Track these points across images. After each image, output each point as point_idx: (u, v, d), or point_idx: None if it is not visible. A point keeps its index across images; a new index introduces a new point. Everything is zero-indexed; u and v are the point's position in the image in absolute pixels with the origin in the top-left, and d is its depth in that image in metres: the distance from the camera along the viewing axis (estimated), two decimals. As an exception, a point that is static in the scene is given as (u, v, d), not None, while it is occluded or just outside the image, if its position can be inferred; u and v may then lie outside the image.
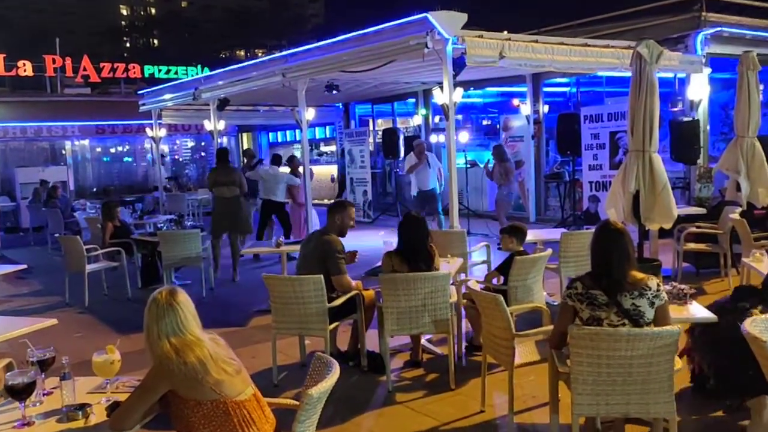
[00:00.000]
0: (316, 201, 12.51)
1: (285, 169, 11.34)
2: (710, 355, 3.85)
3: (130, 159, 20.92)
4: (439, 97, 8.01)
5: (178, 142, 21.54)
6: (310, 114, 10.76)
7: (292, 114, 10.95)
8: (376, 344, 5.25)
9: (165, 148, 19.74)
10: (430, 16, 7.64)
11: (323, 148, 21.34)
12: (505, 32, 9.05)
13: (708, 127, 11.45)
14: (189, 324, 2.68)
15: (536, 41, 8.77)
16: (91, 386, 3.08)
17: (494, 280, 5.42)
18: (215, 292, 8.44)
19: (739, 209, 7.53)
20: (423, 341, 5.55)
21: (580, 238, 6.44)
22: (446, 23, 7.66)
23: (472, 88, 14.18)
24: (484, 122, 18.96)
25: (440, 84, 8.00)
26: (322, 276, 4.86)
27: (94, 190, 19.11)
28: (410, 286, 4.66)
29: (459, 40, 7.72)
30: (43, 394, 2.95)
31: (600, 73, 13.16)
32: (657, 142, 6.97)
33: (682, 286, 4.03)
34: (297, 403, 2.93)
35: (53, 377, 3.10)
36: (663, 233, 7.92)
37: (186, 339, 2.63)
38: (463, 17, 7.80)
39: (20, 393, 2.66)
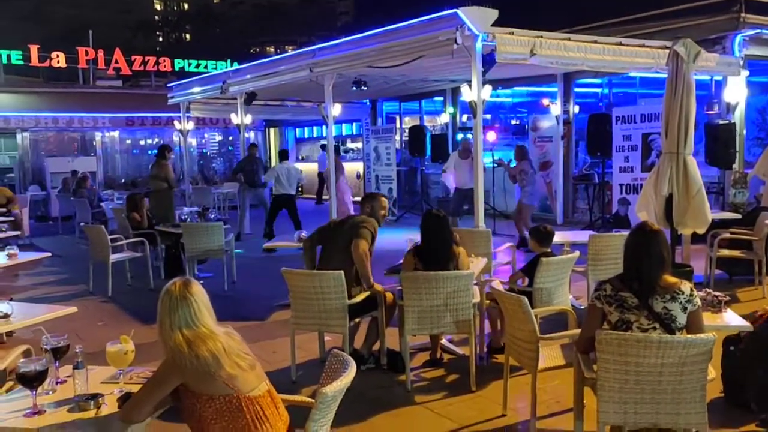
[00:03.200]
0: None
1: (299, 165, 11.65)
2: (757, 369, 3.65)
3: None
4: (468, 94, 7.88)
5: (206, 135, 21.65)
6: (336, 110, 10.72)
7: (319, 109, 10.91)
8: (392, 343, 5.17)
9: (193, 141, 19.87)
10: (461, 11, 7.52)
11: (350, 145, 21.29)
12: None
13: (744, 132, 11.14)
14: (203, 316, 2.61)
15: (569, 39, 8.59)
16: (105, 376, 3.03)
17: (519, 282, 5.28)
18: (237, 285, 8.41)
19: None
20: (443, 341, 5.45)
21: (610, 241, 6.28)
22: (476, 19, 7.53)
23: (500, 87, 14.01)
24: (513, 122, 18.73)
25: (469, 81, 7.89)
26: (342, 272, 4.78)
27: (123, 181, 19.29)
28: (432, 285, 4.56)
29: (489, 37, 7.60)
30: (57, 383, 2.91)
31: (633, 74, 12.90)
32: (692, 144, 6.77)
33: (717, 293, 3.87)
34: (312, 401, 2.85)
35: (68, 365, 3.07)
36: (695, 238, 7.69)
37: (199, 332, 2.56)
38: (494, 13, 7.67)
39: (32, 381, 2.62)
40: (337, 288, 4.77)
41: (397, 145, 16.47)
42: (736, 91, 10.58)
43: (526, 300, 3.76)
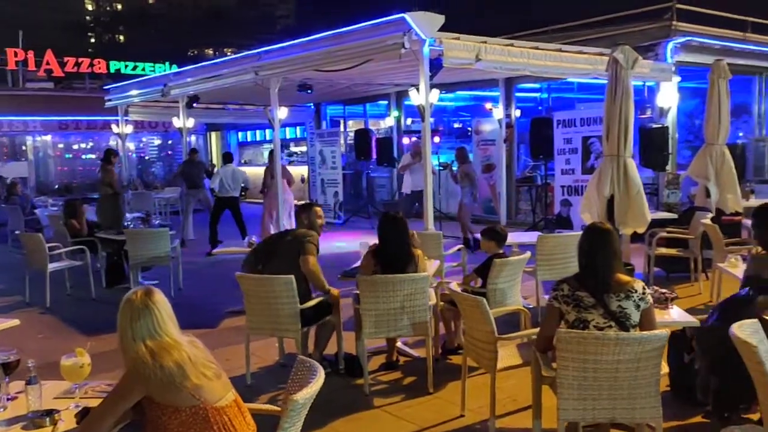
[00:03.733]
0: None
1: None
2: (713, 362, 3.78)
3: (93, 156, 20.40)
4: (416, 98, 7.96)
5: (144, 139, 21.10)
6: (282, 113, 10.63)
7: (265, 113, 10.80)
8: (348, 347, 5.16)
9: (131, 145, 19.32)
10: (408, 16, 7.60)
11: (293, 149, 21.13)
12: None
13: (676, 135, 11.62)
14: (166, 326, 2.54)
15: (512, 45, 8.80)
16: (58, 391, 2.92)
17: (472, 283, 5.36)
18: (183, 292, 8.22)
19: (710, 215, 7.62)
20: (398, 344, 5.47)
21: (558, 241, 6.44)
22: (424, 24, 7.62)
23: (443, 92, 14.12)
24: (455, 125, 19.01)
25: (414, 86, 7.97)
26: (293, 276, 4.75)
27: (56, 187, 18.58)
28: (389, 288, 4.58)
29: (436, 42, 7.70)
30: (7, 399, 2.78)
31: (571, 79, 13.29)
32: (631, 146, 7.02)
33: (663, 291, 4.02)
34: (278, 409, 2.83)
35: (17, 381, 2.94)
36: (634, 238, 7.97)
37: (163, 342, 2.49)
38: (441, 19, 7.77)
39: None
40: (288, 292, 4.74)
41: (342, 149, 16.45)
42: (669, 96, 11.03)
43: (485, 301, 3.82)
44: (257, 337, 5.31)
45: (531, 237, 7.07)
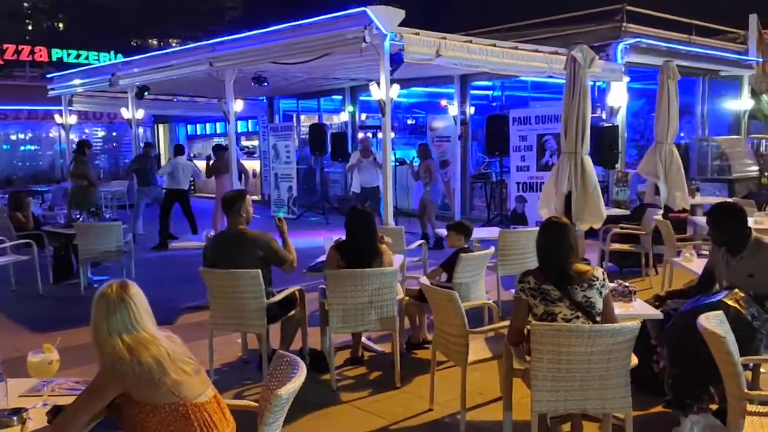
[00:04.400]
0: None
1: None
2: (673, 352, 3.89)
3: (34, 147, 19.64)
4: (376, 92, 7.94)
5: (87, 131, 20.41)
6: (238, 106, 10.46)
7: (219, 105, 10.59)
8: (311, 342, 5.12)
9: (74, 137, 18.70)
10: (369, 10, 7.57)
11: (245, 143, 20.82)
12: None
13: (626, 134, 11.94)
14: (143, 320, 2.46)
15: (470, 42, 8.86)
16: (23, 389, 2.80)
17: (437, 278, 5.38)
18: (137, 288, 7.98)
19: (661, 212, 7.86)
20: (363, 338, 5.45)
21: (518, 237, 6.52)
22: (384, 18, 7.61)
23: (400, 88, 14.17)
24: (409, 122, 19.07)
25: (371, 80, 7.97)
26: (260, 271, 4.67)
27: (-5, 179, 17.84)
28: (357, 282, 4.55)
29: (397, 36, 7.69)
30: (-32, 399, 2.64)
31: (525, 78, 13.50)
32: (588, 144, 7.17)
33: (627, 284, 4.13)
34: (255, 404, 2.78)
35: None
36: (588, 234, 8.16)
37: (140, 336, 2.41)
38: (401, 13, 7.78)
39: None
40: (255, 287, 4.67)
41: (295, 144, 16.29)
42: (619, 96, 11.32)
43: (457, 295, 3.83)
44: (218, 334, 5.21)
45: (492, 232, 7.16)
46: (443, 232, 7.60)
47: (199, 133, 22.24)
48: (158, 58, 11.38)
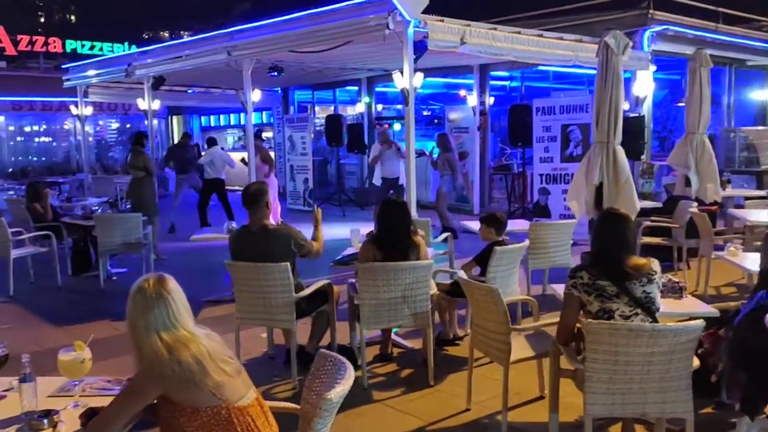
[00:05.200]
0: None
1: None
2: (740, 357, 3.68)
3: (49, 138, 19.59)
4: (399, 81, 7.74)
5: (101, 122, 20.36)
6: (256, 95, 10.27)
7: (237, 95, 10.43)
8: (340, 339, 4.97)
9: (89, 128, 18.62)
10: (393, -4, 7.36)
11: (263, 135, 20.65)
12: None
13: (651, 124, 11.68)
14: (182, 317, 2.29)
15: (495, 29, 8.63)
16: (51, 388, 2.63)
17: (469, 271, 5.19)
18: (156, 281, 7.85)
19: (696, 204, 7.62)
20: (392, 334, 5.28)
21: (549, 229, 6.32)
22: (408, 5, 7.39)
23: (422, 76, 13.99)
24: (425, 113, 18.82)
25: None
26: (288, 264, 4.50)
27: (10, 170, 17.77)
28: (390, 276, 4.37)
29: (421, 24, 7.49)
30: (-5, 399, 2.50)
31: (545, 68, 13.25)
32: (621, 134, 6.95)
33: (676, 280, 3.92)
34: (298, 407, 2.62)
35: (4, 378, 2.65)
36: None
37: (179, 334, 2.24)
38: (425, 0, 7.56)
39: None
40: (283, 281, 4.50)
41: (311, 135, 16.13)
42: (645, 85, 11.04)
43: (499, 290, 3.65)
44: (242, 328, 5.05)
45: (518, 225, 6.95)
46: (467, 224, 7.47)
47: (213, 124, 22.11)
48: (175, 47, 11.22)
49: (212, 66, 10.55)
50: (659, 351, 2.89)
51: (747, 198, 9.22)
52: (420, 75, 7.90)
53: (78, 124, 17.63)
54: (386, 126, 12.03)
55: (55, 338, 5.70)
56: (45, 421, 2.27)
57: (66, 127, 19.47)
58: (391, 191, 10.98)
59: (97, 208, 8.29)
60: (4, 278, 7.30)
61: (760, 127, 13.12)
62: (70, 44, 20.87)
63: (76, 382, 2.57)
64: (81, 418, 2.23)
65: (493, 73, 13.53)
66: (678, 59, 11.92)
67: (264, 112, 19.92)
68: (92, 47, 21.27)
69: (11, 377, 2.67)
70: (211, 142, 12.21)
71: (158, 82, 12.10)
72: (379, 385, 4.58)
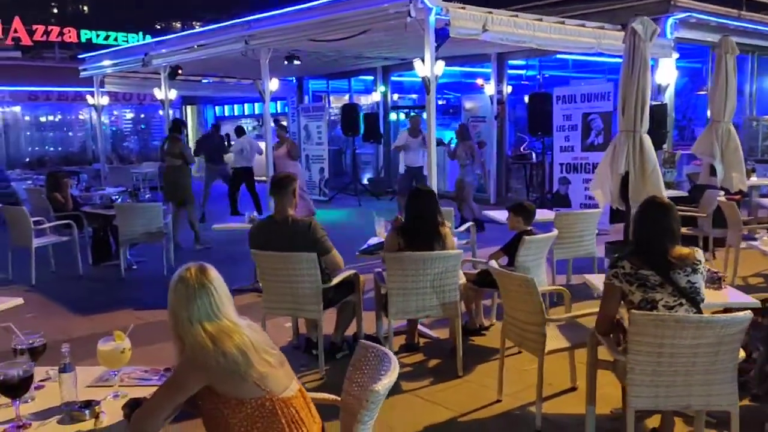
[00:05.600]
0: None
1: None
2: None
3: (65, 129, 19.64)
4: (421, 69, 7.65)
5: (116, 112, 20.38)
6: (274, 85, 10.21)
7: (255, 85, 10.38)
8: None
9: (104, 119, 18.66)
10: (414, -18, 7.26)
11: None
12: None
13: (673, 113, 11.52)
14: (224, 306, 2.25)
15: (517, 16, 8.51)
16: (89, 378, 2.60)
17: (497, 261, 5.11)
18: (175, 269, 7.80)
19: (722, 193, 7.50)
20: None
21: (575, 219, 6.24)
22: (430, -8, 7.29)
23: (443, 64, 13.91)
24: (439, 102, 18.69)
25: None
26: (315, 254, 4.45)
27: (27, 160, 17.85)
28: (419, 266, 4.32)
29: (442, 11, 7.38)
30: (33, 389, 2.46)
31: (565, 56, 13.10)
32: (647, 122, 6.84)
33: (714, 270, 3.84)
34: (338, 398, 2.58)
35: (40, 367, 2.62)
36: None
37: (222, 325, 2.20)
38: (446, -13, 7.46)
39: (14, 389, 2.18)
40: (310, 270, 4.46)
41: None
42: (668, 73, 10.89)
43: (535, 281, 3.58)
44: (267, 317, 5.02)
45: (544, 214, 6.85)
46: (491, 213, 7.39)
47: (227, 114, 22.08)
48: (192, 37, 11.19)
49: (229, 55, 10.50)
50: (706, 342, 2.81)
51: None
52: (441, 63, 7.79)
53: (94, 114, 17.68)
54: (418, 116, 11.92)
55: (80, 327, 5.70)
56: (86, 411, 2.24)
57: (81, 117, 19.51)
58: (413, 181, 10.90)
59: (117, 197, 8.27)
60: (26, 267, 7.31)
61: (784, 116, 12.93)
62: (85, 34, 20.89)
63: (114, 372, 2.53)
64: (124, 409, 2.20)
65: (510, 62, 13.39)
66: (698, 47, 11.74)
67: (279, 102, 19.86)
68: (107, 37, 21.28)
69: (46, 366, 2.65)
70: (240, 131, 12.31)
71: (174, 72, 12.08)
72: (407, 375, 4.53)
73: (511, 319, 3.89)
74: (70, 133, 19.52)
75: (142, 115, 20.58)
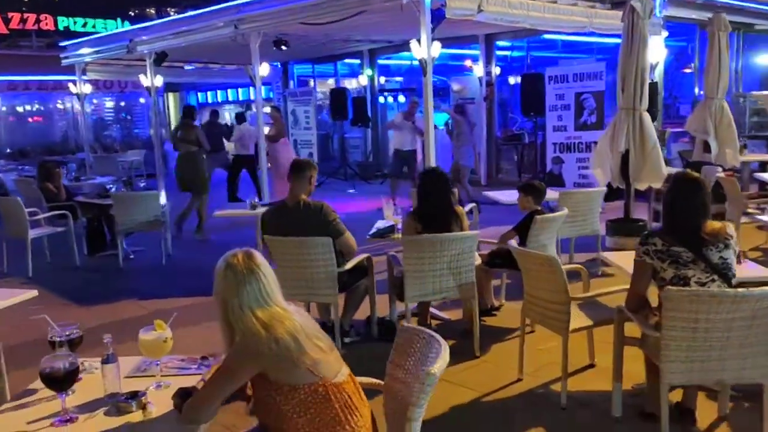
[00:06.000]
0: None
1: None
2: None
3: (45, 118, 19.26)
4: (417, 51, 7.59)
5: (95, 101, 20.02)
6: (264, 70, 10.07)
7: (245, 70, 10.24)
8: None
9: (87, 107, 18.32)
10: (410, -38, 7.18)
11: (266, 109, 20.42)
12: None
13: (663, 92, 11.57)
14: (273, 292, 2.21)
15: (511, -5, 8.47)
16: (126, 368, 2.55)
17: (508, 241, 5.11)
18: (175, 258, 7.77)
19: (720, 169, 7.57)
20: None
21: (581, 197, 6.25)
22: (425, -28, 7.22)
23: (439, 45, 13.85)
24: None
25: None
26: (330, 238, 4.42)
27: (8, 151, 17.49)
28: (436, 248, 4.30)
29: (438, -9, 7.32)
30: (73, 381, 2.40)
31: (547, 36, 13.08)
32: (647, 100, 6.86)
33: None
34: (380, 382, 2.55)
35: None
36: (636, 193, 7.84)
37: (273, 311, 2.16)
38: (441, -33, 7.38)
39: (61, 382, 2.13)
40: (325, 255, 4.43)
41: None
42: (657, 51, 10.90)
43: (558, 259, 3.58)
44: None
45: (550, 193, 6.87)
46: (492, 195, 7.38)
47: (210, 100, 21.83)
48: (178, 22, 10.98)
49: (216, 41, 10.34)
50: (740, 317, 2.83)
51: (763, 163, 9.20)
52: (437, 44, 7.75)
53: (75, 103, 17.35)
54: (416, 101, 11.82)
55: (87, 319, 5.60)
56: (133, 402, 2.19)
57: (60, 106, 19.15)
58: (405, 166, 10.87)
59: (111, 186, 8.14)
60: (21, 259, 7.18)
61: (771, 92, 13.05)
62: (63, 21, 20.47)
63: (151, 362, 2.49)
64: (174, 399, 2.16)
65: (499, 43, 13.36)
66: (683, 25, 11.79)
67: (263, 87, 19.64)
68: (85, 24, 20.87)
69: (84, 358, 2.60)
70: (240, 119, 12.13)
71: (160, 58, 11.87)
72: (424, 358, 4.53)
73: (532, 298, 3.89)
74: (51, 123, 19.15)
75: (122, 103, 20.24)
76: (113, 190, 7.97)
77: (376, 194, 10.72)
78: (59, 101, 18.97)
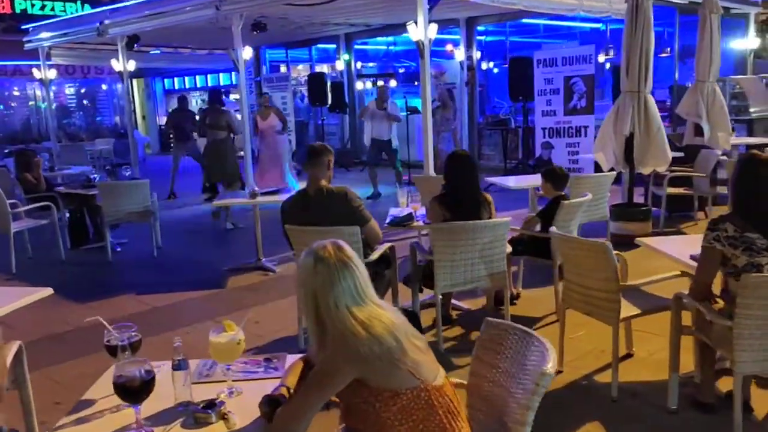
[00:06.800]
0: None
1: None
2: None
3: (3, 106, 18.44)
4: (414, 33, 7.43)
5: (54, 88, 19.20)
6: (247, 53, 9.73)
7: (228, 54, 9.87)
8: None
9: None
10: (407, -58, 6.99)
11: (231, 96, 19.91)
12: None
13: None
14: (368, 287, 2.01)
15: (505, -23, 8.34)
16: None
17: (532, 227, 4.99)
18: (165, 250, 7.44)
19: (719, 152, 7.59)
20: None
21: (592, 182, 6.16)
22: (423, -48, 7.05)
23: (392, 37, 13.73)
24: (400, 70, 18.41)
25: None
26: (358, 227, 4.21)
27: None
28: (468, 235, 4.13)
29: (434, -28, 7.15)
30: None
31: (526, 21, 13.00)
32: (651, 82, 6.81)
33: None
34: (462, 381, 2.39)
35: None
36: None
37: (370, 309, 1.96)
38: (438, -53, 7.21)
39: (137, 394, 1.90)
40: (353, 245, 4.18)
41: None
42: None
43: (611, 246, 3.45)
44: (279, 296, 4.80)
45: (528, 180, 6.78)
46: (495, 180, 7.26)
47: (177, 87, 21.18)
48: (154, 3, 10.52)
49: (198, 22, 9.95)
50: (817, 303, 2.74)
51: (750, 146, 9.28)
52: (434, 26, 7.58)
53: (37, 90, 16.65)
54: (386, 86, 11.51)
55: (83, 315, 5.27)
56: (212, 413, 1.97)
57: (17, 93, 18.38)
58: (382, 154, 10.67)
59: (95, 176, 7.74)
60: (3, 254, 6.78)
61: (749, 76, 13.22)
62: (20, 4, 19.48)
63: (212, 365, 2.27)
64: (262, 408, 1.94)
65: (480, 28, 13.23)
66: (658, 8, 11.80)
67: (232, 73, 19.16)
68: (43, 7, 19.92)
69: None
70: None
71: (132, 42, 11.39)
72: (453, 349, 4.39)
73: (576, 286, 3.76)
74: (12, 111, 18.33)
75: (83, 90, 19.54)
76: (97, 179, 7.58)
77: (356, 182, 10.50)
78: (14, 87, 18.20)
